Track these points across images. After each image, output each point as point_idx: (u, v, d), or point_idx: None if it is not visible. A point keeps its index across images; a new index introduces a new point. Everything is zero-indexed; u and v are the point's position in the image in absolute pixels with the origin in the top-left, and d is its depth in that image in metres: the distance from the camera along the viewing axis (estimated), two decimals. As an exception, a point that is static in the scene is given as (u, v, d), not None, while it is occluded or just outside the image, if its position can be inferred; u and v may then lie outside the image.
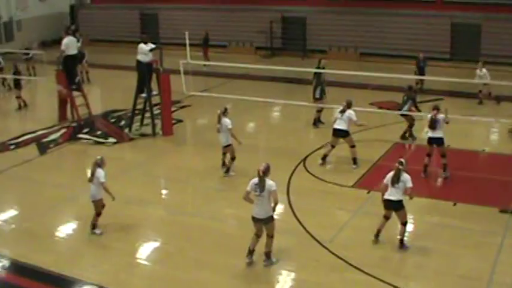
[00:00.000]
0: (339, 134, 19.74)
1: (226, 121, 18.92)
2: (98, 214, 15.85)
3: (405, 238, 14.74)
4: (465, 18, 35.61)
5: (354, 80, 28.04)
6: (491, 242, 14.94)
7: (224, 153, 19.60)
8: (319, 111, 23.98)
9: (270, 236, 13.94)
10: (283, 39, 41.40)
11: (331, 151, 20.02)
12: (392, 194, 14.45)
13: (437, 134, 18.48)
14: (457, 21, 35.98)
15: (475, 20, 35.21)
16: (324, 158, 20.17)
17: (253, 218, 13.83)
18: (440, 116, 18.30)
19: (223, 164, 19.68)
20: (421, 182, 18.26)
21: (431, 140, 18.70)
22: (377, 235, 15.00)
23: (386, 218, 14.84)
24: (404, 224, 14.64)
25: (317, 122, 24.09)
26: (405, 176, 14.40)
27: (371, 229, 15.44)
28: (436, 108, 18.44)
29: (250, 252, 14.14)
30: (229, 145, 19.18)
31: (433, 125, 18.40)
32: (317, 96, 23.63)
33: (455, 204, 17.06)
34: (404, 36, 36.74)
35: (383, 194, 14.71)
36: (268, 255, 14.09)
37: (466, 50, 35.59)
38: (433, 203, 17.27)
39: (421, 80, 28.47)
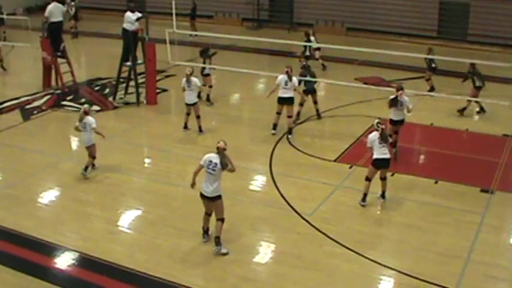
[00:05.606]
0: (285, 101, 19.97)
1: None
2: (94, 157, 17.20)
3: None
4: (454, -4, 35.48)
5: (340, 54, 27.99)
6: (471, 220, 15.05)
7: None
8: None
9: (220, 219, 13.41)
10: (270, 11, 41.26)
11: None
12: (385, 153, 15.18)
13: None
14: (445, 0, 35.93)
15: (464, -1, 35.16)
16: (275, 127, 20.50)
17: (203, 196, 13.37)
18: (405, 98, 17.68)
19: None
20: (402, 160, 18.34)
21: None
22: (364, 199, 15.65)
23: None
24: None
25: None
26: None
27: (352, 203, 15.58)
28: (401, 89, 17.67)
29: (205, 232, 13.94)
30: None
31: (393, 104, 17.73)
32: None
33: (436, 182, 17.15)
34: (392, 12, 36.64)
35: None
36: (218, 241, 13.45)
37: (454, 28, 35.58)
38: (414, 180, 17.32)
39: None
